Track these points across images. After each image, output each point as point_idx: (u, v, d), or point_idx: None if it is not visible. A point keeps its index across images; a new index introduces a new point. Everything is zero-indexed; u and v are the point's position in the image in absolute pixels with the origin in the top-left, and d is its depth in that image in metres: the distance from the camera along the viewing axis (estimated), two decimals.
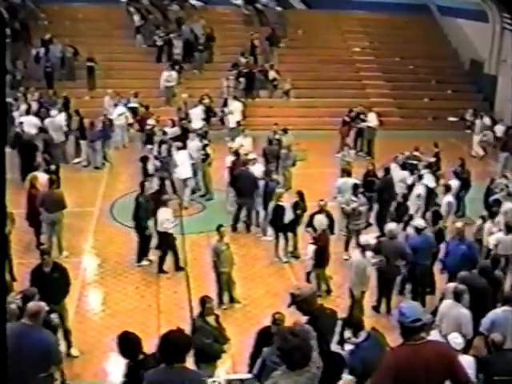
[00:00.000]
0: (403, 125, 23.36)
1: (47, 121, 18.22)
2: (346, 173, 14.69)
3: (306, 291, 5.89)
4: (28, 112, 19.08)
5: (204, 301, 8.16)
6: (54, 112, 18.86)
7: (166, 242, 12.28)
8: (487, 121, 21.35)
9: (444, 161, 16.56)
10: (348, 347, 7.02)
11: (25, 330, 6.18)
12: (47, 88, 21.99)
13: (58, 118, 18.39)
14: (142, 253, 12.58)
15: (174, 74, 22.71)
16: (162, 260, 12.33)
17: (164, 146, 15.98)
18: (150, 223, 12.45)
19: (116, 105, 20.57)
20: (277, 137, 17.15)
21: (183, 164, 15.22)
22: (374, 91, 25.11)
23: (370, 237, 11.33)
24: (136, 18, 25.15)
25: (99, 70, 23.18)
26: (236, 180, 14.37)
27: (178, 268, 12.36)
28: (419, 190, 13.67)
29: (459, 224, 10.93)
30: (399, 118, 24.26)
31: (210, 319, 8.10)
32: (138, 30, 25.15)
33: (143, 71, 23.88)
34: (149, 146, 17.23)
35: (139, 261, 12.56)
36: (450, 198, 13.21)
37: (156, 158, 15.90)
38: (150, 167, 15.71)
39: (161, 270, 12.29)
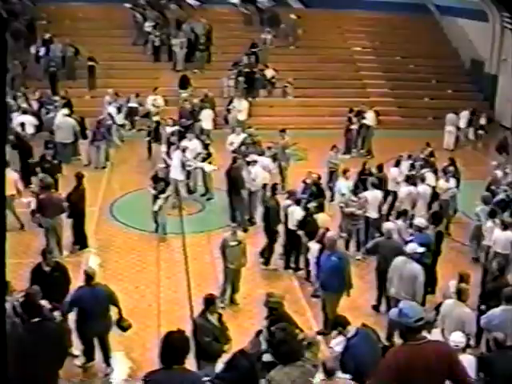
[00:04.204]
0: (403, 124, 23.41)
1: (58, 120, 18.11)
2: (333, 175, 14.79)
3: None
4: (25, 111, 19.02)
5: (210, 299, 8.07)
6: (64, 110, 18.73)
7: (293, 241, 12.25)
8: (452, 116, 21.65)
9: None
10: (338, 348, 7.03)
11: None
12: (50, 88, 22.01)
13: (70, 119, 18.28)
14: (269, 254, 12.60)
15: (158, 98, 21.40)
16: (288, 257, 12.43)
17: (172, 147, 15.97)
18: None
19: (122, 104, 20.59)
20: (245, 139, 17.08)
21: (175, 165, 15.22)
22: (375, 90, 25.11)
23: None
24: (147, 24, 24.84)
25: (100, 70, 23.19)
26: (228, 178, 14.41)
27: (296, 268, 12.38)
28: (422, 189, 13.69)
29: (331, 234, 10.57)
30: (399, 117, 24.27)
31: (213, 318, 8.01)
32: (144, 35, 24.98)
33: (144, 71, 23.87)
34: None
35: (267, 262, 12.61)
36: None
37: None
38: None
39: (287, 267, 12.42)
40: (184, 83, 22.93)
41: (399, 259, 9.81)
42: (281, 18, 26.51)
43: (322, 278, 10.14)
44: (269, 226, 12.53)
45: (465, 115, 21.83)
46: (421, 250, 9.86)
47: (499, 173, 14.88)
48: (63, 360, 7.08)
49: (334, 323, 7.27)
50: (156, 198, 13.39)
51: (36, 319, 6.79)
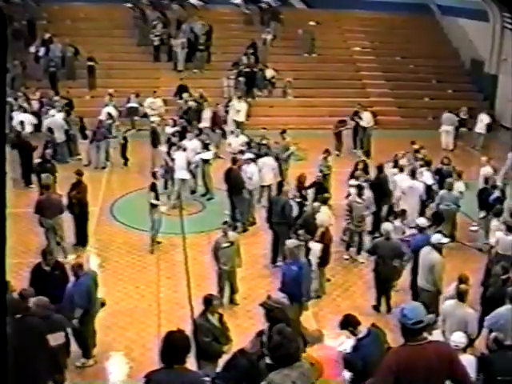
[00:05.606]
0: (403, 124, 23.41)
1: (48, 120, 18.17)
2: (323, 177, 14.84)
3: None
4: (25, 110, 19.04)
5: (208, 299, 8.04)
6: (53, 111, 18.81)
7: None
8: (450, 115, 21.53)
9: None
10: (342, 347, 7.04)
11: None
12: (51, 88, 22.00)
13: (59, 118, 18.38)
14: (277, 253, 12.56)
15: (158, 101, 21.50)
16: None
17: (173, 148, 15.95)
18: None
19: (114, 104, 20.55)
20: (264, 141, 17.12)
21: (180, 165, 15.21)
22: (375, 91, 25.12)
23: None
24: (159, 26, 24.78)
25: (100, 70, 23.20)
26: (227, 178, 14.36)
27: None
28: (416, 185, 13.74)
29: (290, 242, 10.29)
30: (399, 117, 24.27)
31: (213, 318, 7.99)
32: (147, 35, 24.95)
33: (144, 71, 23.90)
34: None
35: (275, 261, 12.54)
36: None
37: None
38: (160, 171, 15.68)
39: None
40: (181, 93, 22.14)
41: (425, 249, 10.05)
42: (282, 16, 26.60)
43: (284, 287, 9.82)
44: (280, 223, 12.40)
45: (486, 119, 21.58)
46: (445, 240, 10.28)
47: (490, 169, 14.88)
48: (51, 356, 7.15)
49: (343, 323, 7.25)
50: (154, 206, 12.97)
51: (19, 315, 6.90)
